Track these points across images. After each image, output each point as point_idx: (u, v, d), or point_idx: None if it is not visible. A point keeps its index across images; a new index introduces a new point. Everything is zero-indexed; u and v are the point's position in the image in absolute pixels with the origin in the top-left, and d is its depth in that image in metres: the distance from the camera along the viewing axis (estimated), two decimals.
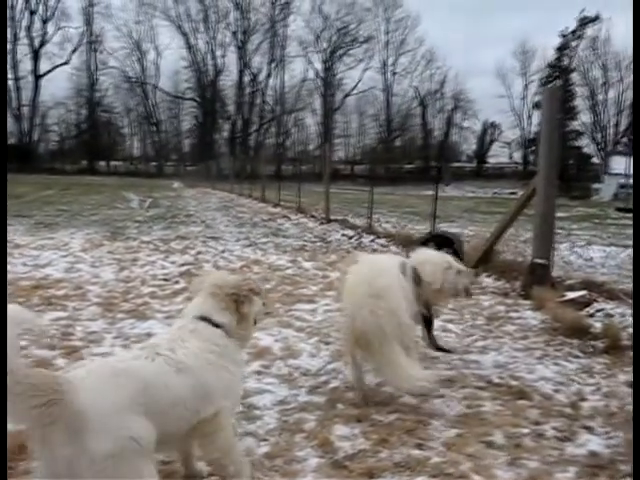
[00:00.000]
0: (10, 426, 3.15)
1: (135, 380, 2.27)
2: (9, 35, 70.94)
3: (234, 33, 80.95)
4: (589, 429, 3.46)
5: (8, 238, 10.48)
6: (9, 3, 69.08)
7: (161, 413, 2.30)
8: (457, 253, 5.28)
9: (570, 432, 3.41)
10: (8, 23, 69.93)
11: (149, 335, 5.01)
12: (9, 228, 12.06)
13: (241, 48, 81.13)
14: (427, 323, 4.86)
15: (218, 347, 2.63)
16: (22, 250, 9.31)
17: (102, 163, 79.81)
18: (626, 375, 4.37)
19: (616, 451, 3.18)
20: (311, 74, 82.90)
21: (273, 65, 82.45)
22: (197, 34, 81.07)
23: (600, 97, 73.55)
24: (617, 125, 73.80)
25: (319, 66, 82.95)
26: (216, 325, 2.70)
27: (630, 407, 3.74)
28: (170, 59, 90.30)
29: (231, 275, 3.03)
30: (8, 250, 9.11)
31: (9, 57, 71.32)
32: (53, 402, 2.00)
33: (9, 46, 71.01)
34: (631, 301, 5.98)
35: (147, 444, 2.20)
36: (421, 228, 13.36)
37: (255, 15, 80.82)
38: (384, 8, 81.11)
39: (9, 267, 7.73)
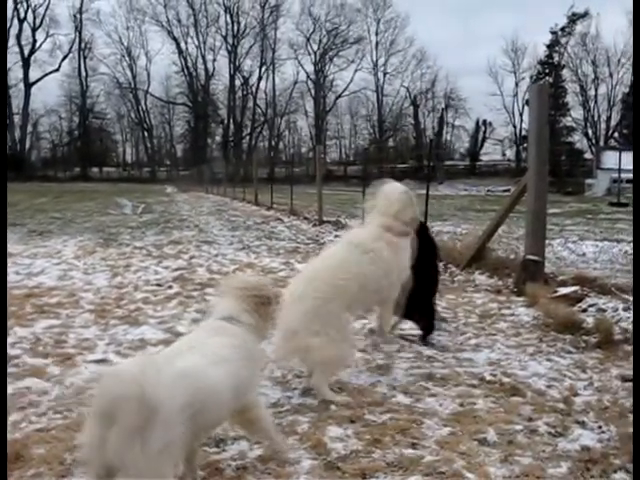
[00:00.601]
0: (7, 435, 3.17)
1: (188, 379, 2.41)
2: None
3: (224, 37, 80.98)
4: (582, 424, 3.47)
5: None
6: None
7: (203, 408, 2.44)
8: None
9: (563, 427, 3.41)
10: None
11: (142, 341, 5.02)
12: None
13: (232, 52, 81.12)
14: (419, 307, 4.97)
15: (242, 344, 2.78)
16: (15, 259, 9.28)
17: (95, 170, 79.69)
18: (619, 369, 4.39)
19: (608, 445, 3.19)
20: (302, 76, 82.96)
21: (264, 68, 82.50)
22: (187, 39, 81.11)
23: (591, 93, 73.81)
24: (609, 120, 74.06)
25: (310, 68, 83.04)
26: (240, 324, 2.86)
27: (623, 401, 3.76)
28: (161, 64, 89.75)
29: (253, 277, 3.24)
30: None
31: None
32: (135, 399, 2.10)
33: None
34: (625, 296, 6.00)
35: (182, 442, 2.34)
36: None
37: (245, 19, 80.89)
38: (374, 9, 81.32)
39: None
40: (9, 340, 4.91)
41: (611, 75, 72.11)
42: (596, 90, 73.60)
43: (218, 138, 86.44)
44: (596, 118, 74.34)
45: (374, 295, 4.28)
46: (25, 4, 73.75)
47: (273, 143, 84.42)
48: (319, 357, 3.84)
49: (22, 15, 73.86)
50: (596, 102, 73.80)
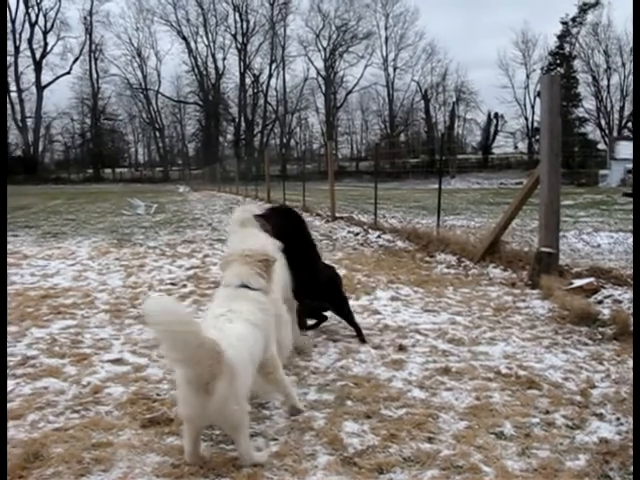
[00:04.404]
0: (23, 435, 3.20)
1: (248, 341, 2.98)
2: (10, 47, 71.34)
3: (234, 35, 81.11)
4: (599, 416, 3.45)
5: (16, 249, 10.55)
6: (9, 15, 69.47)
7: (254, 362, 3.04)
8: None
9: (580, 420, 3.40)
10: (9, 35, 70.35)
11: (157, 340, 5.03)
12: (16, 239, 12.14)
13: (241, 50, 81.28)
14: None
15: (262, 305, 3.24)
16: (30, 260, 9.35)
17: (108, 171, 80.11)
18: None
19: (627, 437, 3.16)
20: (312, 73, 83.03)
21: (274, 65, 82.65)
22: (197, 38, 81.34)
23: (603, 83, 73.22)
24: (622, 110, 73.41)
25: (320, 64, 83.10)
26: (254, 289, 3.29)
27: None
28: (171, 64, 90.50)
29: (255, 245, 3.62)
30: (16, 261, 9.17)
31: (11, 69, 71.71)
32: (218, 360, 2.66)
33: (10, 58, 71.40)
34: None
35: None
36: (427, 222, 13.33)
37: (254, 16, 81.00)
38: (383, 3, 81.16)
39: (17, 278, 7.78)
40: (26, 341, 4.96)
41: (623, 64, 71.49)
42: (608, 80, 73.09)
43: (229, 136, 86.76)
44: (609, 108, 73.81)
45: None
46: (36, 8, 74.31)
47: (284, 140, 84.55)
48: None
49: (33, 19, 74.40)
50: (609, 92, 73.30)
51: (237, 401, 2.76)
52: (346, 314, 5.29)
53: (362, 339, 5.05)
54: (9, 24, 70.21)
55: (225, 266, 3.44)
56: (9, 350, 4.67)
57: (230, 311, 3.09)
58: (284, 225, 4.86)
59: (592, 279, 6.31)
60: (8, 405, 3.60)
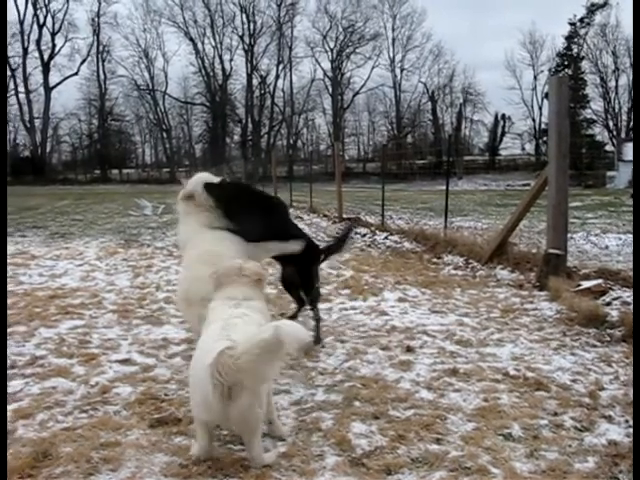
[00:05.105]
0: (33, 434, 3.21)
1: None
2: (19, 49, 71.67)
3: (241, 36, 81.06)
4: (608, 418, 3.43)
5: (23, 249, 10.60)
6: (18, 17, 69.89)
7: None
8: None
9: (589, 422, 3.38)
10: (17, 37, 70.73)
11: (165, 340, 5.06)
12: (25, 240, 12.19)
13: (248, 51, 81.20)
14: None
15: (265, 313, 3.40)
16: (38, 261, 9.38)
17: (115, 171, 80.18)
18: None
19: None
20: (319, 74, 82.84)
21: (281, 67, 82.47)
22: (204, 39, 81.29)
23: (611, 84, 72.91)
24: (630, 111, 73.05)
25: (327, 65, 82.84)
26: (256, 301, 3.42)
27: None
28: (178, 65, 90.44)
29: (246, 263, 3.64)
30: (25, 261, 9.21)
31: (19, 70, 72.01)
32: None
33: (19, 60, 71.72)
34: None
35: None
36: (435, 223, 13.31)
37: (261, 17, 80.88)
38: (390, 5, 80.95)
39: (25, 278, 7.81)
40: (34, 341, 4.98)
41: (632, 65, 71.12)
42: (617, 81, 72.63)
43: (236, 137, 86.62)
44: (617, 110, 73.47)
45: None
46: (44, 10, 74.43)
47: (291, 141, 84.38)
48: None
49: (42, 21, 74.51)
50: (617, 93, 72.89)
51: (260, 404, 2.82)
52: (314, 296, 5.17)
53: (317, 336, 4.94)
54: (17, 25, 70.53)
55: (220, 284, 3.49)
56: (18, 350, 4.70)
57: (244, 314, 3.17)
58: (234, 190, 5.20)
59: (600, 281, 6.29)
60: (17, 405, 3.62)
